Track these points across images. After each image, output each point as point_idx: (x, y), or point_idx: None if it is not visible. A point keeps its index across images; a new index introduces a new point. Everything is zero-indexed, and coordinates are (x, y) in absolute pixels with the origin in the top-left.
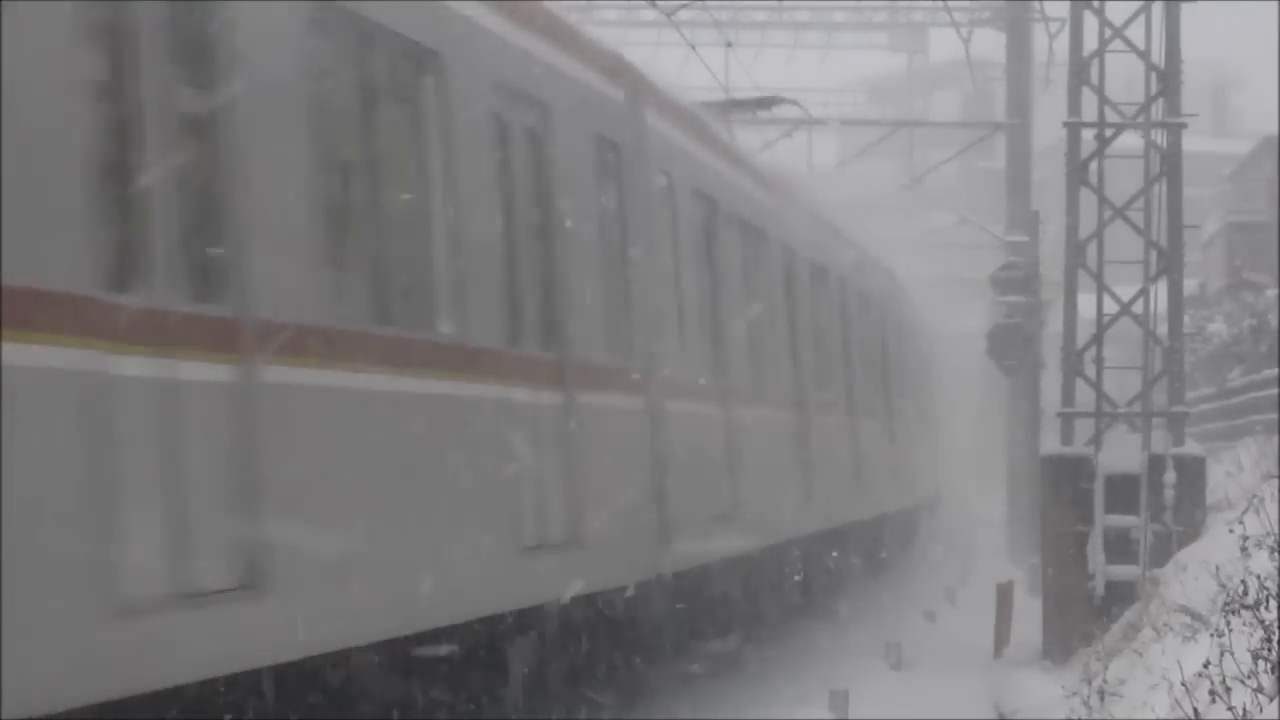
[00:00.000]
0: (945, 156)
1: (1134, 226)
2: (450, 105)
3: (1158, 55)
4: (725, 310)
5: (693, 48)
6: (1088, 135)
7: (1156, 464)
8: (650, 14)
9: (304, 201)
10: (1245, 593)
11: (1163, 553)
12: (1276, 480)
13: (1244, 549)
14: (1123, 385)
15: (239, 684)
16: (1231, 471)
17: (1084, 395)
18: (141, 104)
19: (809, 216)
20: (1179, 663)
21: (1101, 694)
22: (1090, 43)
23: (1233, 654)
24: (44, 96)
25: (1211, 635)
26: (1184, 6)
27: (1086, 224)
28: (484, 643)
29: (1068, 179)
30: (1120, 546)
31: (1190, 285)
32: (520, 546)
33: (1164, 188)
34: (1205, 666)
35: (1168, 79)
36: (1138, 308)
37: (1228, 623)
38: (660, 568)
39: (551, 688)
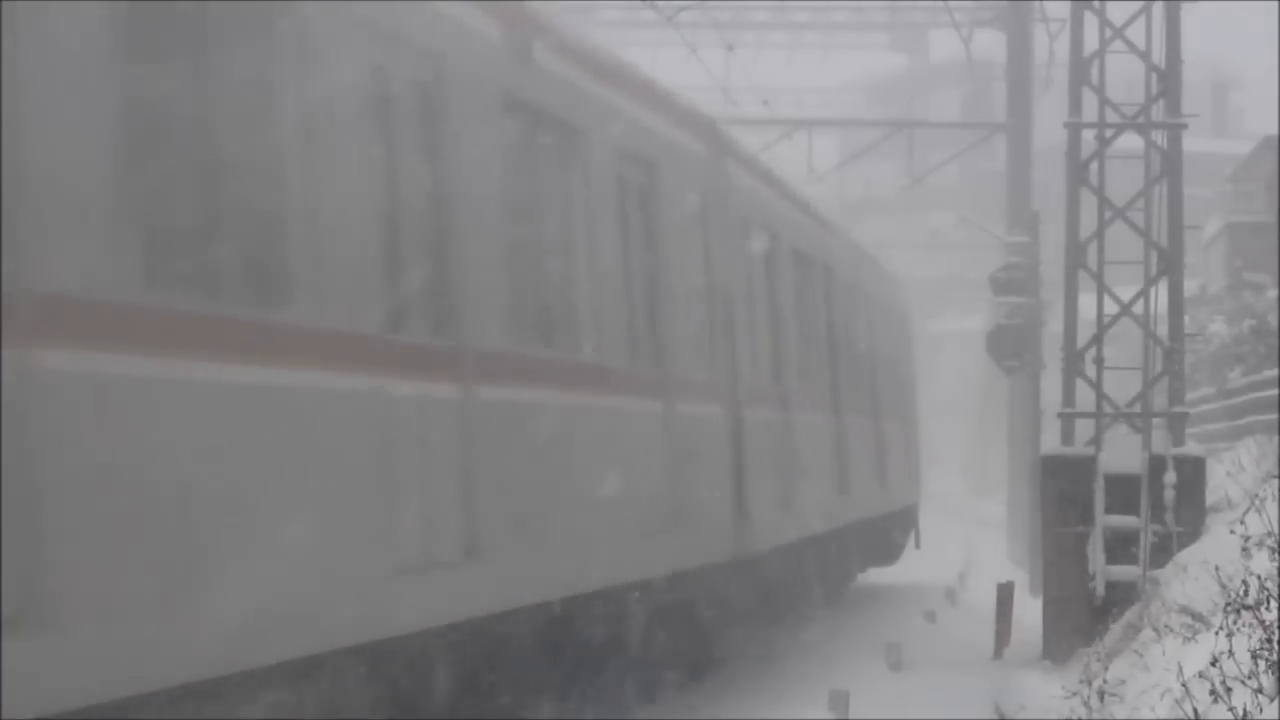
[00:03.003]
0: (945, 157)
1: (1134, 227)
2: None
3: (1158, 55)
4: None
5: (693, 50)
6: (1088, 135)
7: (1157, 464)
8: (650, 15)
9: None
10: (1246, 593)
11: (1163, 553)
12: (1277, 480)
13: (1245, 549)
14: (1123, 386)
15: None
16: (1232, 472)
17: (1084, 395)
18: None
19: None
20: (1179, 663)
21: (1101, 694)
22: (1090, 43)
23: (1232, 654)
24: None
25: (1217, 632)
26: (1184, 6)
27: (1087, 224)
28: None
29: (1068, 179)
30: (1120, 547)
31: (1190, 286)
32: None
33: (1164, 188)
34: (1212, 664)
35: (1168, 79)
36: (1138, 308)
37: (1227, 623)
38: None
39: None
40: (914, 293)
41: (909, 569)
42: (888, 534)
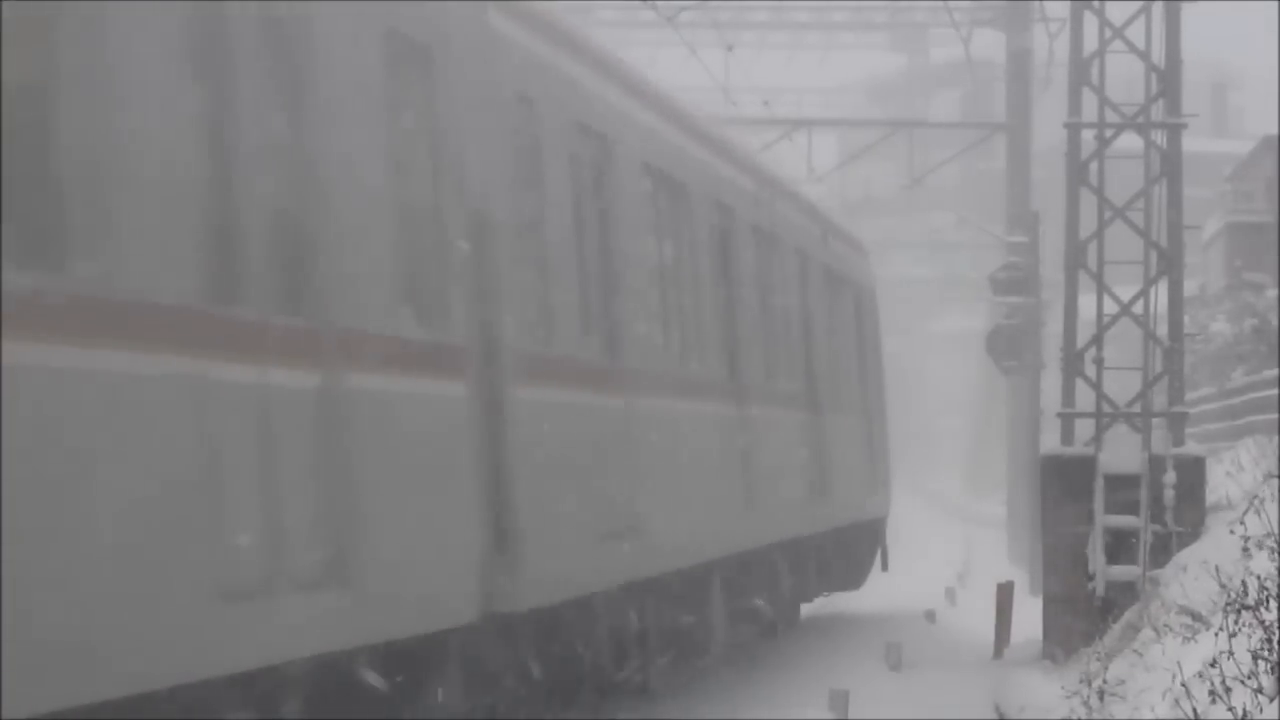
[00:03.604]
0: (945, 157)
1: (1134, 227)
2: None
3: (1158, 55)
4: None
5: (693, 50)
6: (1088, 135)
7: (1156, 464)
8: (649, 15)
9: None
10: (1245, 593)
11: (1163, 553)
12: (1276, 480)
13: (1244, 549)
14: (1123, 385)
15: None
16: (1231, 471)
17: (1084, 395)
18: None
19: None
20: (1179, 663)
21: (1101, 694)
22: (1090, 43)
23: (1232, 654)
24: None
25: (1217, 632)
26: (1184, 6)
27: (1086, 224)
28: None
29: (1068, 179)
30: (1120, 547)
31: (1190, 286)
32: None
33: (1164, 188)
34: (1211, 665)
35: (1167, 79)
36: (1138, 308)
37: (1227, 623)
38: None
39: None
40: (913, 293)
41: (908, 570)
42: (842, 554)
